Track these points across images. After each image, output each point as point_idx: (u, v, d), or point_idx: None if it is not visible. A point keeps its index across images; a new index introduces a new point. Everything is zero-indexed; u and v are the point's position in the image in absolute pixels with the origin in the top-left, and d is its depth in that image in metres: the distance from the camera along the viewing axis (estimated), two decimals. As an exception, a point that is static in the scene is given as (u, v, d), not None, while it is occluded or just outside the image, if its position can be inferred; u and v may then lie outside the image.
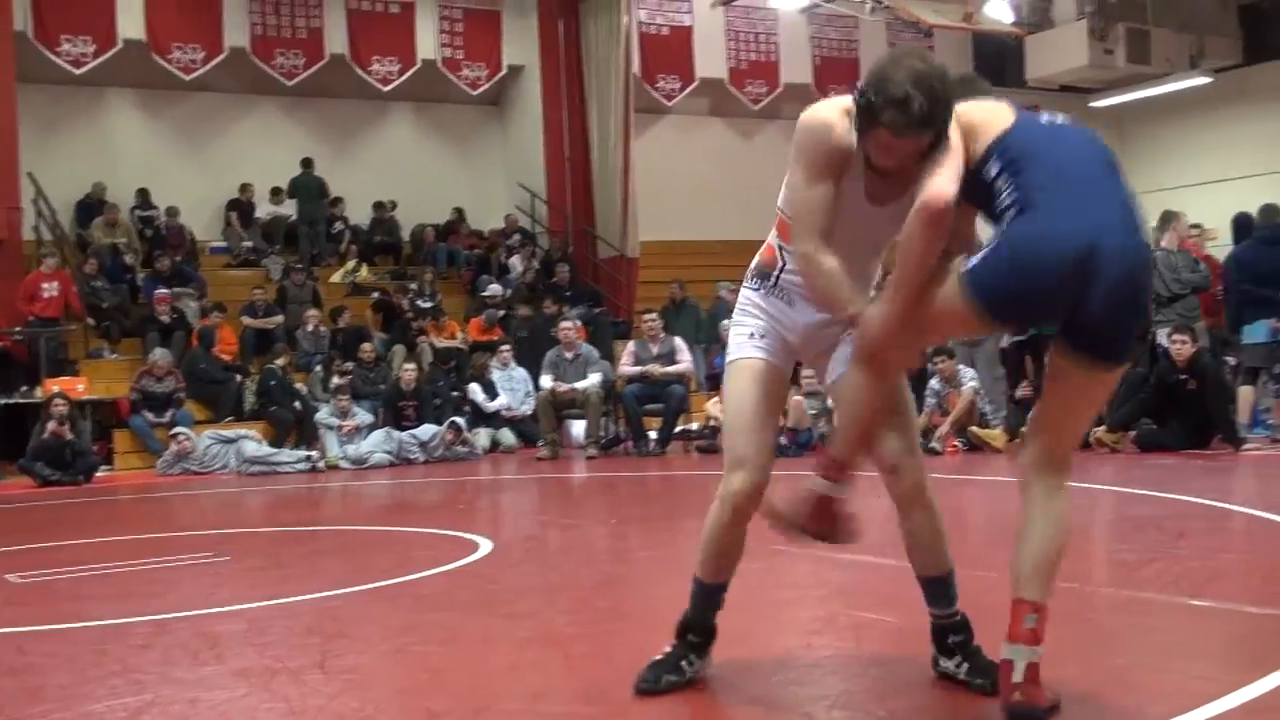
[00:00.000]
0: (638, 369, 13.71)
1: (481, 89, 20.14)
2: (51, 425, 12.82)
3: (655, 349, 13.81)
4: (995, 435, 11.80)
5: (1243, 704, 3.06)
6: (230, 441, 13.81)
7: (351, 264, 19.05)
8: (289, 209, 19.37)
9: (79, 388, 14.40)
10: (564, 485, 11.43)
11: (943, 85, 3.01)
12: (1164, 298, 11.49)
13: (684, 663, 3.50)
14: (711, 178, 21.23)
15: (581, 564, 6.42)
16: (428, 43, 19.49)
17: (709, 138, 22.05)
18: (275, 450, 13.90)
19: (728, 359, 3.51)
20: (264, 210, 19.44)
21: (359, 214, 19.93)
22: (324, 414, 14.31)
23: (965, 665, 3.36)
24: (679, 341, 14.10)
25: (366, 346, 15.63)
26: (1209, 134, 20.17)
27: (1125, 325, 3.02)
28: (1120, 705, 3.23)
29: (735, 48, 21.39)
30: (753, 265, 3.53)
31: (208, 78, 18.26)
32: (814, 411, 12.62)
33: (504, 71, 20.19)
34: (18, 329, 15.18)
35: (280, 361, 15.19)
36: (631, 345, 14.32)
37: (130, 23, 17.43)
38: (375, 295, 17.92)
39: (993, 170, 3.03)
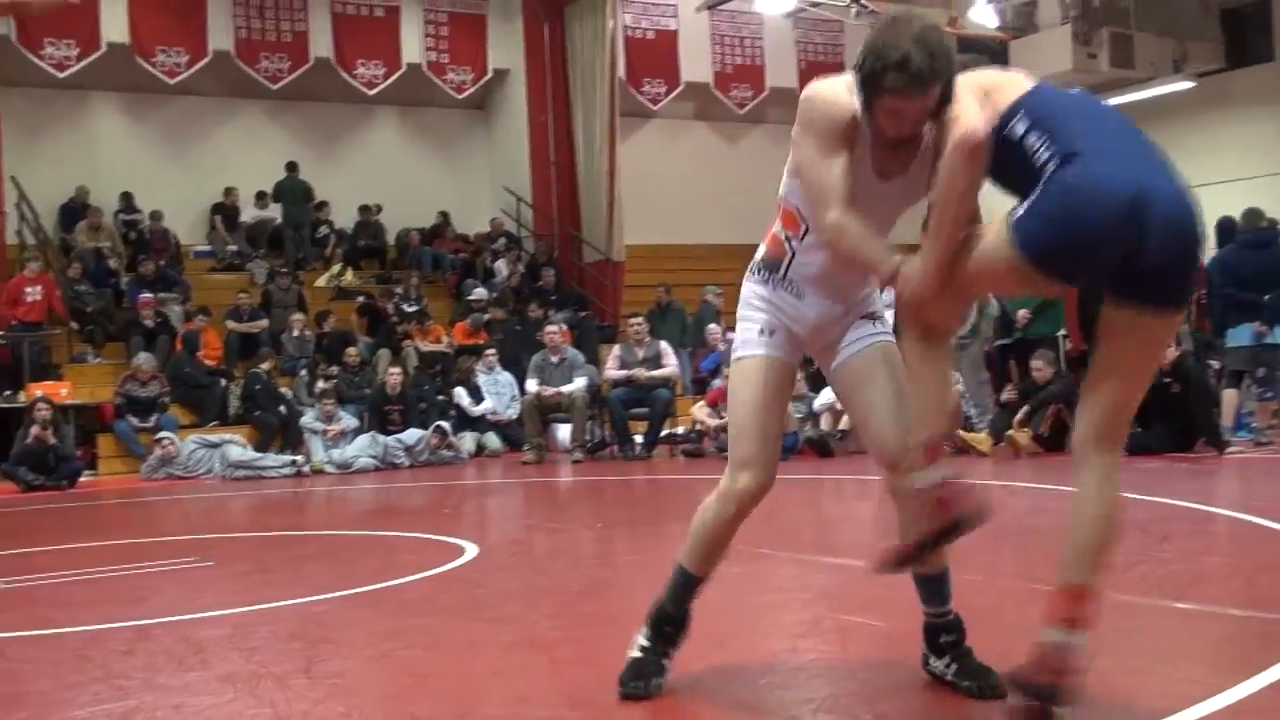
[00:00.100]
0: (623, 373, 13.71)
1: (467, 93, 20.15)
2: (35, 430, 12.77)
3: (641, 353, 13.81)
4: (980, 439, 11.81)
5: (1227, 706, 3.07)
6: (215, 446, 13.77)
7: (336, 268, 19.02)
8: (274, 213, 19.34)
9: (62, 392, 14.35)
10: (549, 489, 11.42)
11: (939, 38, 2.99)
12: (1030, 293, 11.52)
13: (665, 660, 3.49)
14: (697, 182, 21.26)
15: (567, 568, 6.41)
16: (413, 46, 19.49)
17: (694, 142, 22.08)
18: (260, 455, 13.87)
19: (735, 355, 3.45)
20: (249, 214, 19.40)
21: (344, 218, 19.91)
22: (309, 418, 14.28)
23: (954, 667, 3.35)
24: (664, 345, 14.11)
25: (351, 351, 15.60)
26: (1192, 138, 20.23)
27: (1183, 264, 2.96)
28: (1106, 708, 3.23)
29: (721, 52, 21.43)
30: (758, 258, 3.47)
31: (192, 81, 18.22)
32: (800, 415, 12.63)
33: (489, 75, 20.20)
34: (1, 333, 15.12)
35: (265, 366, 15.16)
36: (617, 349, 14.32)
37: (114, 26, 17.40)
38: (360, 299, 17.90)
39: (1020, 128, 2.96)
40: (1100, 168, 2.84)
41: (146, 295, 16.04)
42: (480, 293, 18.11)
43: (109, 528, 9.88)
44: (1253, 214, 11.59)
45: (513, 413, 15.19)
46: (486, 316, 17.47)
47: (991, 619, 4.02)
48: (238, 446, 13.80)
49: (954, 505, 3.07)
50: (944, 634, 3.39)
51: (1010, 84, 3.08)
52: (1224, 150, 19.73)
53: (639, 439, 13.62)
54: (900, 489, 3.32)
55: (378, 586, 5.62)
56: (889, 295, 3.26)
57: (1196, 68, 19.63)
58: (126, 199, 18.54)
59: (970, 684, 3.29)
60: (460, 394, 15.32)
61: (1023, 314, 12.24)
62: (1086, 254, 2.90)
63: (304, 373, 15.46)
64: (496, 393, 15.49)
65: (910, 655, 3.50)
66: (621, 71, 19.93)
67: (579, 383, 13.81)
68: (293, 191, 19.14)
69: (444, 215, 20.63)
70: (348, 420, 14.31)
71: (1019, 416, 11.44)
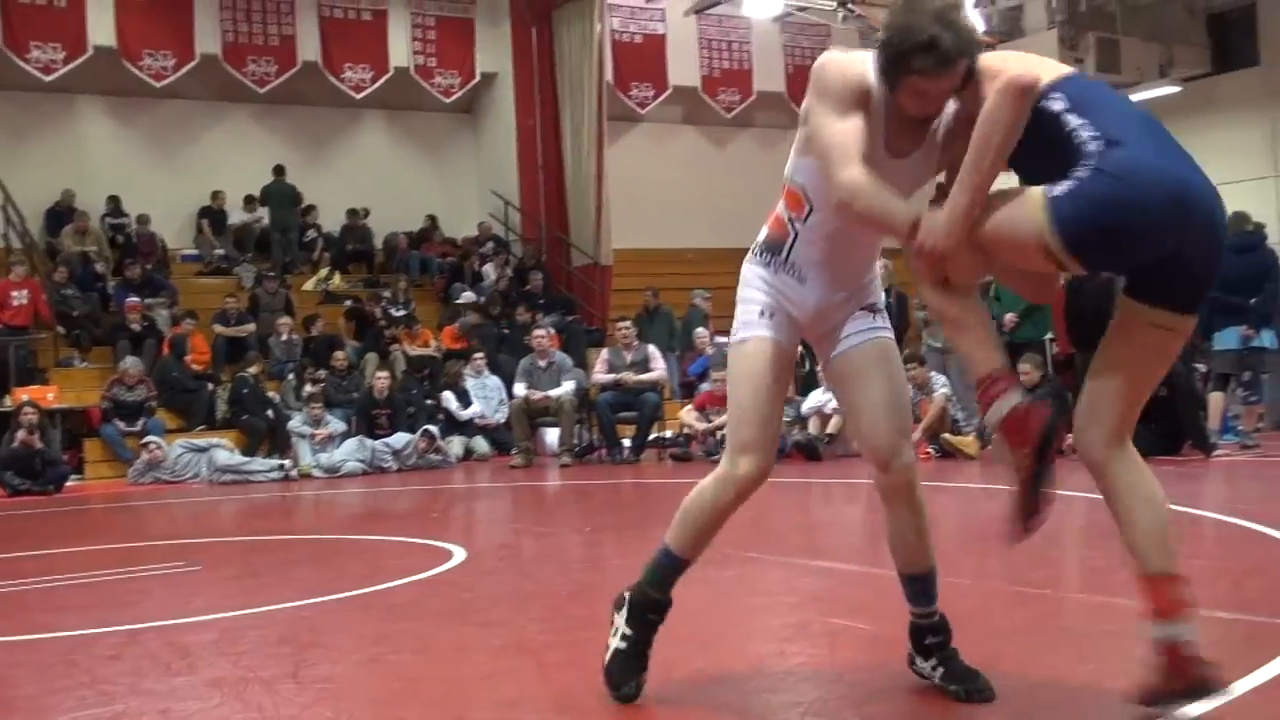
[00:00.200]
0: (611, 377, 13.72)
1: (454, 96, 20.14)
2: (21, 434, 12.74)
3: (629, 357, 13.82)
4: (968, 442, 11.84)
5: (1215, 708, 3.08)
6: (202, 450, 13.74)
7: (324, 272, 19.00)
8: (262, 216, 19.31)
9: (49, 396, 14.31)
10: (537, 493, 11.41)
11: (961, 15, 2.97)
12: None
13: (648, 650, 3.44)
14: (685, 186, 21.28)
15: (555, 572, 6.41)
16: (400, 50, 19.48)
17: (682, 146, 22.11)
18: (247, 459, 13.84)
19: (735, 336, 3.38)
20: (236, 217, 19.37)
21: (331, 221, 19.88)
22: (296, 422, 14.25)
23: (941, 670, 3.35)
24: (652, 349, 14.12)
25: (339, 354, 15.58)
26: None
27: (1211, 267, 2.95)
28: (1095, 710, 3.24)
29: (708, 56, 21.46)
30: (760, 240, 3.40)
31: (179, 85, 18.19)
32: (788, 419, 12.64)
33: (477, 79, 20.19)
34: (-13, 337, 15.08)
35: (252, 370, 15.14)
36: (605, 353, 14.33)
37: (100, 29, 17.36)
38: (348, 303, 17.87)
39: (1057, 104, 2.91)
40: (1151, 158, 2.80)
41: (133, 299, 16.01)
42: (468, 296, 18.11)
43: (96, 532, 9.85)
44: (1239, 218, 11.63)
45: (501, 416, 15.18)
46: (470, 320, 17.47)
47: (978, 622, 4.03)
48: (225, 450, 13.77)
49: (1032, 427, 2.99)
50: (930, 635, 3.38)
51: (1044, 63, 3.04)
52: (1209, 154, 19.70)
53: (627, 443, 13.63)
54: (890, 490, 3.32)
55: (366, 591, 5.61)
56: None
57: (1182, 72, 19.70)
58: (113, 202, 18.50)
59: (957, 688, 3.29)
60: (448, 398, 15.31)
61: (1009, 317, 12.26)
62: (1130, 243, 2.83)
63: (291, 377, 15.43)
64: (484, 396, 15.48)
65: (898, 659, 3.50)
66: (609, 75, 19.94)
67: (567, 387, 13.81)
68: (280, 195, 19.11)
69: (431, 219, 20.62)
70: (335, 424, 14.28)
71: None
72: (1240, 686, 3.23)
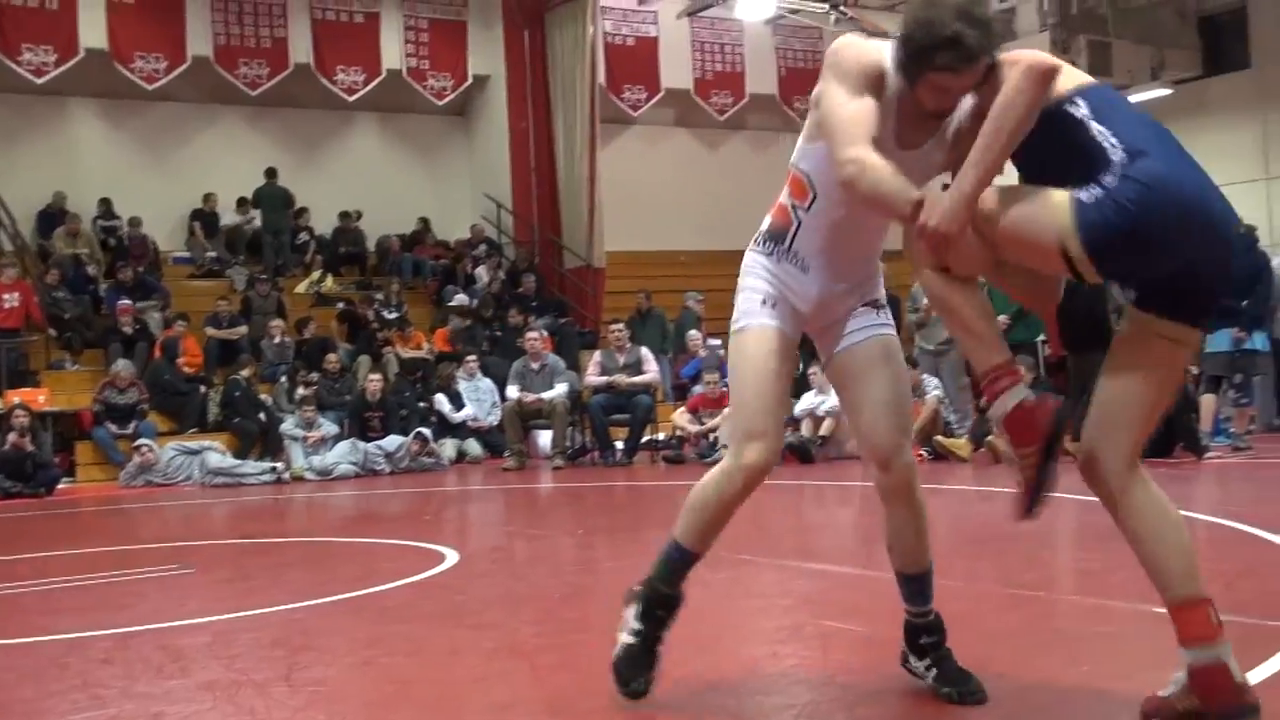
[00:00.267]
0: (604, 379, 13.72)
1: (447, 99, 20.14)
2: (12, 437, 12.71)
3: (621, 359, 13.82)
4: (960, 445, 11.85)
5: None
6: (194, 453, 13.72)
7: (316, 274, 18.98)
8: (254, 218, 19.29)
9: (40, 399, 14.28)
10: (530, 496, 11.41)
11: (983, 10, 2.95)
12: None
13: (658, 647, 3.36)
14: (677, 188, 21.29)
15: (548, 575, 6.40)
16: (393, 52, 19.47)
17: (675, 148, 22.12)
18: (240, 462, 13.82)
19: (737, 324, 3.30)
20: (228, 220, 19.35)
21: (324, 224, 19.87)
22: (289, 425, 14.24)
23: (934, 671, 3.34)
24: (645, 352, 14.12)
25: (332, 357, 15.57)
26: (1170, 145, 20.38)
27: (1222, 284, 2.96)
28: (1086, 712, 3.25)
29: (701, 58, 21.47)
30: (763, 229, 3.35)
31: (171, 87, 18.17)
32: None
33: (469, 81, 20.19)
34: (-22, 340, 15.05)
35: (245, 372, 15.12)
36: (598, 355, 14.33)
37: (92, 32, 17.34)
38: (340, 305, 17.86)
39: (1081, 110, 2.89)
40: (1174, 172, 2.79)
41: (125, 302, 15.98)
42: (461, 299, 18.11)
43: (88, 535, 9.83)
44: (1230, 220, 11.65)
45: (494, 419, 15.17)
46: (458, 325, 17.46)
47: (971, 624, 4.04)
48: (217, 453, 13.76)
49: (1039, 423, 2.97)
50: (924, 635, 3.38)
51: (1068, 67, 3.01)
52: (1201, 156, 19.49)
53: (620, 445, 13.63)
54: (890, 489, 3.30)
55: (359, 593, 5.61)
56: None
57: (1174, 75, 19.75)
58: (105, 205, 18.47)
59: (949, 690, 3.28)
60: (441, 400, 15.30)
61: (1001, 320, 12.25)
62: (1150, 255, 2.80)
63: (284, 379, 15.42)
64: (477, 399, 15.47)
65: (891, 661, 3.50)
66: (602, 78, 19.95)
67: (560, 389, 13.80)
68: (272, 198, 19.09)
69: (424, 221, 20.61)
70: (328, 427, 14.27)
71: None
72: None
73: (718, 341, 16.28)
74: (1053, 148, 2.90)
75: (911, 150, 3.13)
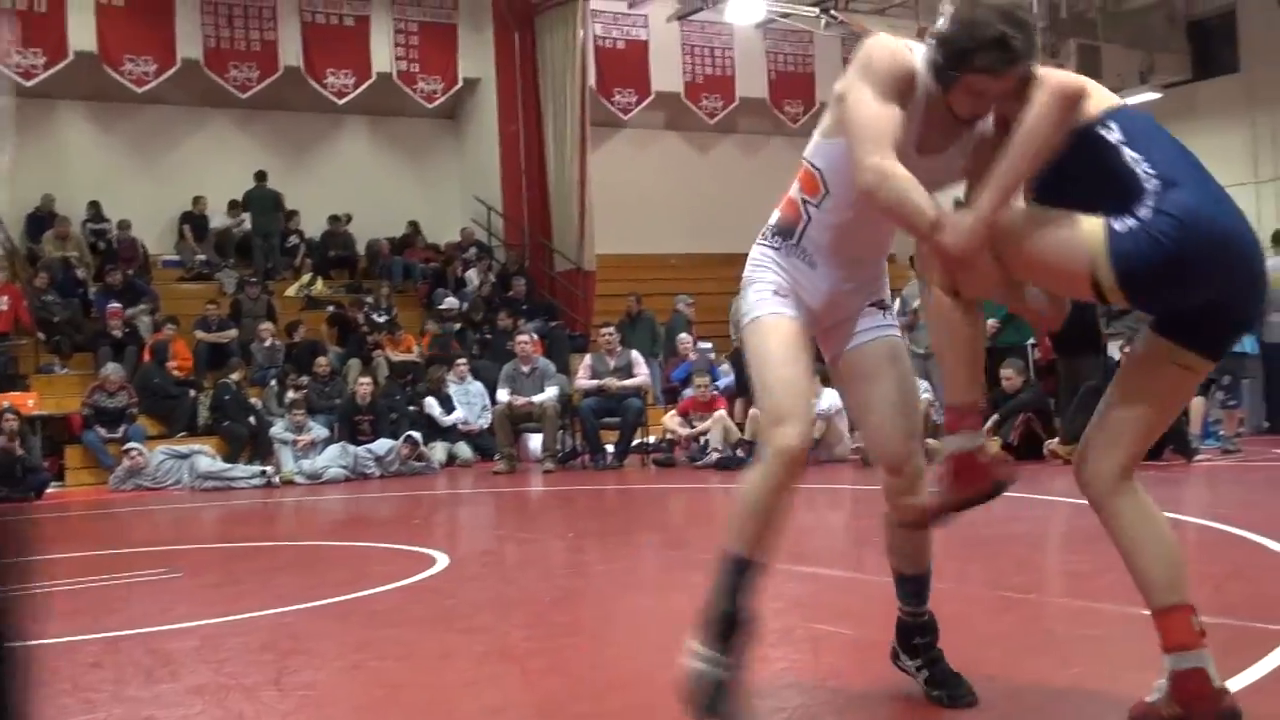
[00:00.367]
0: (594, 382, 13.71)
1: (437, 102, 20.13)
2: (1, 440, 12.67)
3: (612, 362, 13.82)
4: (950, 447, 11.85)
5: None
6: (184, 457, 13.69)
7: (306, 277, 18.96)
8: (244, 221, 19.26)
9: (29, 403, 14.24)
10: (521, 499, 11.40)
11: (1027, 16, 2.92)
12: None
13: (731, 672, 3.05)
14: (667, 191, 21.30)
15: (539, 578, 6.40)
16: (383, 55, 19.45)
17: (665, 151, 22.12)
18: (229, 465, 13.80)
19: (750, 314, 3.22)
20: (218, 223, 19.32)
21: (314, 227, 19.84)
22: (279, 428, 14.21)
23: (925, 673, 3.34)
24: (635, 355, 14.12)
25: (322, 360, 15.55)
26: (1159, 148, 20.43)
27: (1246, 318, 2.96)
28: (1076, 714, 3.25)
29: (691, 62, 21.48)
30: (772, 222, 3.30)
31: (160, 90, 18.14)
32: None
33: (459, 85, 20.18)
34: (-33, 344, 15.01)
35: (235, 376, 15.09)
36: (588, 358, 14.33)
37: (81, 34, 17.31)
38: (330, 309, 17.84)
39: (1114, 134, 2.86)
40: (1207, 206, 2.78)
41: (114, 305, 15.95)
42: (451, 302, 18.10)
43: (77, 539, 9.80)
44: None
45: (484, 422, 15.16)
46: (457, 327, 17.46)
47: (961, 627, 4.04)
48: (207, 457, 13.73)
49: (974, 479, 2.99)
50: (918, 635, 3.37)
51: (1095, 89, 2.99)
52: (1190, 160, 19.88)
53: (610, 448, 13.62)
54: (898, 492, 3.28)
55: (348, 597, 5.60)
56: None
57: (1163, 79, 19.80)
58: (94, 208, 18.43)
59: (940, 693, 3.29)
60: (431, 404, 15.28)
61: (991, 323, 12.30)
62: (1180, 288, 2.80)
63: (274, 383, 15.39)
64: (468, 402, 15.46)
65: (882, 664, 3.50)
66: (592, 81, 19.95)
67: (550, 392, 13.80)
68: (262, 201, 19.06)
69: (414, 225, 20.59)
70: (318, 430, 14.25)
71: (988, 425, 11.48)
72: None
73: (708, 345, 16.30)
74: (1082, 170, 2.88)
75: (932, 157, 3.10)
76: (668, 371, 16.24)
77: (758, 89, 21.80)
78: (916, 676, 3.36)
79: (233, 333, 16.40)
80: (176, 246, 19.17)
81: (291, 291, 18.67)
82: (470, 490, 12.47)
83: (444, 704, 3.64)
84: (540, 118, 20.29)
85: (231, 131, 19.70)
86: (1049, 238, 2.85)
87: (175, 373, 15.44)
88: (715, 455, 12.70)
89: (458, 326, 17.48)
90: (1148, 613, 2.99)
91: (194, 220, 19.12)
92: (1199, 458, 10.77)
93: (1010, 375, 11.66)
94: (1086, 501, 3.09)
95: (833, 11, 19.38)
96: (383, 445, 14.00)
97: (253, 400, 15.05)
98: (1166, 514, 3.11)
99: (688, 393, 13.96)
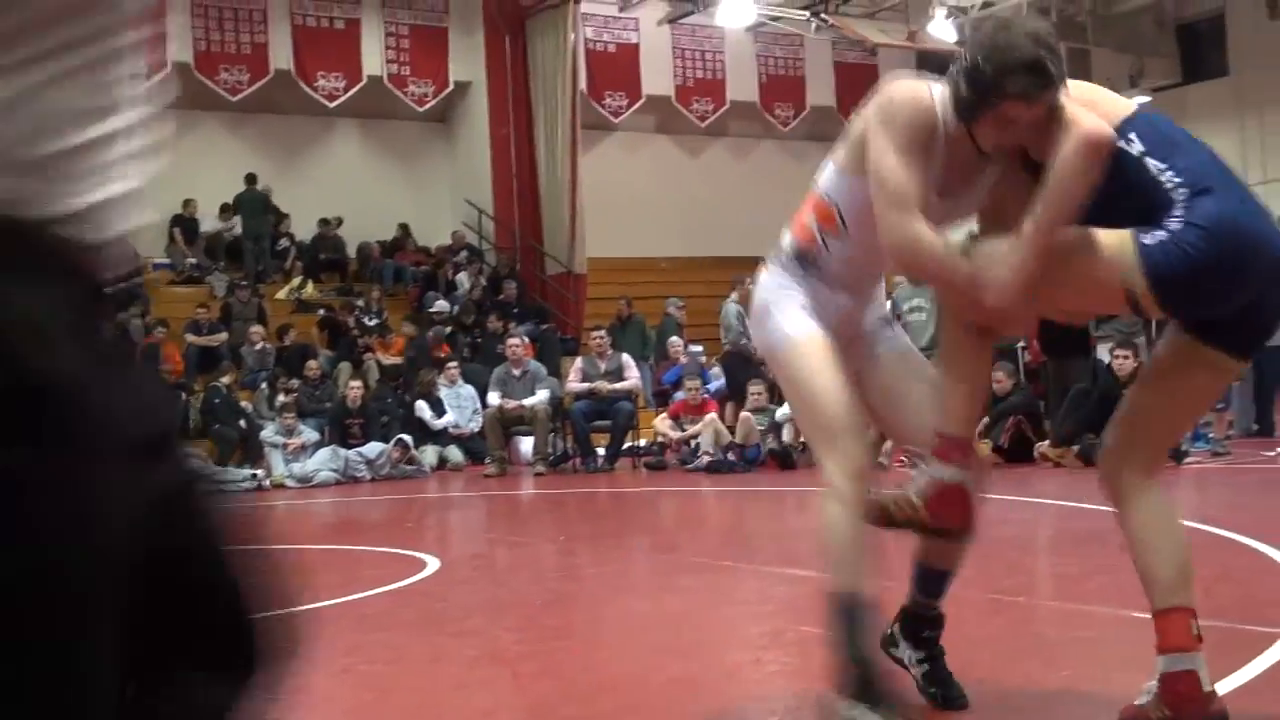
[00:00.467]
0: (585, 385, 13.71)
1: (428, 105, 20.11)
2: (-10, 444, 12.63)
3: (603, 365, 13.82)
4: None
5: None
6: (174, 460, 13.65)
7: (297, 280, 18.93)
8: (235, 224, 19.24)
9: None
10: (512, 502, 11.40)
11: (1055, 40, 2.89)
12: (1105, 314, 11.64)
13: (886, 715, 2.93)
14: (658, 194, 21.31)
15: (529, 582, 6.39)
16: (374, 59, 19.44)
17: (656, 154, 22.13)
18: (220, 469, 13.76)
19: (780, 333, 3.17)
20: (208, 226, 19.29)
21: (304, 230, 19.81)
22: (269, 432, 14.19)
23: (925, 666, 3.33)
24: (626, 358, 14.11)
25: (312, 364, 15.52)
26: (1148, 152, 20.50)
27: (1276, 319, 2.96)
28: (1067, 716, 3.26)
29: (682, 65, 21.49)
30: (787, 246, 3.27)
31: (150, 94, 18.08)
32: (762, 427, 12.65)
33: (450, 88, 20.17)
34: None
35: (225, 379, 15.06)
36: (579, 362, 14.32)
37: (71, 37, 17.25)
38: (321, 312, 17.81)
39: (1135, 146, 2.83)
40: (1238, 213, 2.78)
41: (104, 308, 15.89)
42: (442, 305, 18.08)
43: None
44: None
45: (475, 426, 15.15)
46: (449, 330, 17.43)
47: (952, 629, 4.02)
48: (197, 461, 13.68)
49: (954, 510, 3.00)
50: (928, 627, 3.36)
51: (1109, 100, 2.98)
52: (1180, 163, 19.95)
53: (601, 452, 13.62)
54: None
55: (338, 601, 5.59)
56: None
57: (1152, 82, 19.88)
58: (84, 211, 18.37)
59: (936, 691, 3.28)
60: (422, 407, 15.26)
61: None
62: (1217, 296, 2.80)
63: (264, 386, 15.37)
64: (458, 406, 15.44)
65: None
66: (583, 84, 19.95)
67: (541, 395, 13.79)
68: (252, 204, 19.03)
69: (404, 228, 20.57)
70: (308, 434, 14.22)
71: (979, 428, 11.50)
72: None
73: (699, 348, 16.30)
74: (1107, 186, 2.85)
75: (945, 199, 3.08)
76: (659, 374, 16.24)
77: (748, 92, 21.82)
78: (914, 669, 3.34)
79: (223, 336, 16.37)
80: (167, 250, 19.11)
81: (282, 295, 18.65)
82: (461, 493, 12.47)
83: (434, 707, 3.64)
84: (531, 121, 20.28)
85: (222, 135, 19.66)
86: (1079, 260, 2.84)
87: (165, 376, 15.40)
88: (706, 458, 12.70)
89: (448, 330, 17.46)
90: (1138, 615, 3.00)
91: (184, 223, 19.06)
92: (1188, 460, 10.78)
93: (1000, 378, 11.67)
94: (1105, 497, 3.08)
95: (823, 15, 19.42)
96: (373, 449, 13.98)
97: (243, 404, 15.02)
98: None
99: (679, 396, 13.96)
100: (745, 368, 13.95)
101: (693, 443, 13.18)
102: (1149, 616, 2.99)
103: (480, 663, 4.19)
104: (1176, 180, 2.78)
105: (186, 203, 19.00)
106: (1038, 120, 2.86)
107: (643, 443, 14.19)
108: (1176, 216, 2.75)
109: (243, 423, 14.60)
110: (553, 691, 3.70)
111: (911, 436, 3.35)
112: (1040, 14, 18.84)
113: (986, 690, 3.38)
